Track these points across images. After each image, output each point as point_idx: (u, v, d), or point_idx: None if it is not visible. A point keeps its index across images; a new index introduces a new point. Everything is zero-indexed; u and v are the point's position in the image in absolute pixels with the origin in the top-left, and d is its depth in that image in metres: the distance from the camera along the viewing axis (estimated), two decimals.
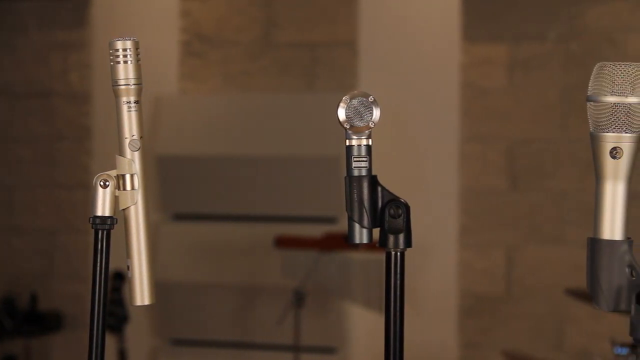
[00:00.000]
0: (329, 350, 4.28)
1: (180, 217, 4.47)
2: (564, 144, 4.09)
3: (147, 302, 1.28)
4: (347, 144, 1.38)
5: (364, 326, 4.22)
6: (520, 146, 4.16)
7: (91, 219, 1.29)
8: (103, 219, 1.29)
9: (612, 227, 1.28)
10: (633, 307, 1.25)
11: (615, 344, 2.90)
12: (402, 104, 4.29)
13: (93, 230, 1.29)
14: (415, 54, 4.26)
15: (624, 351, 2.81)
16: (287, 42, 4.40)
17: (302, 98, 4.35)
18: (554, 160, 4.11)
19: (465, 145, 4.21)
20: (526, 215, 4.15)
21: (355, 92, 1.38)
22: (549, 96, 4.10)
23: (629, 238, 1.29)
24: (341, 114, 1.37)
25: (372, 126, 1.37)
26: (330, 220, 4.14)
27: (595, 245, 1.28)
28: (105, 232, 1.28)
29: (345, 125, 1.37)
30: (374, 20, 4.29)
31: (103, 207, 1.30)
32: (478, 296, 4.20)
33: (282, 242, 3.95)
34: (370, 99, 1.37)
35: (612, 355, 3.00)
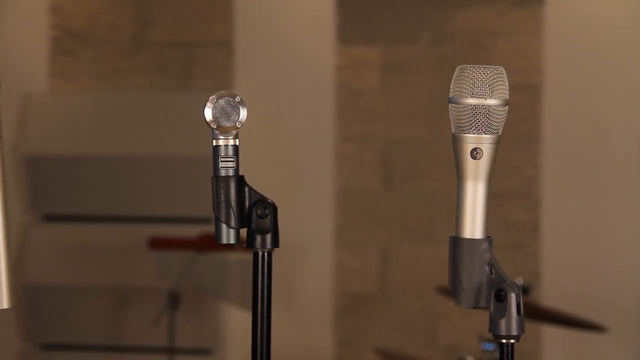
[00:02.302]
0: (204, 351, 4.26)
1: (51, 218, 4.37)
2: (436, 144, 4.18)
3: (5, 305, 1.24)
4: (214, 144, 1.37)
5: (240, 327, 4.21)
6: (394, 147, 4.23)
7: None
8: None
9: (473, 226, 1.31)
10: (492, 303, 1.28)
11: (482, 340, 2.98)
12: (278, 105, 4.30)
13: None
14: (290, 55, 4.28)
15: (491, 347, 2.89)
16: (162, 41, 4.36)
17: (177, 97, 4.32)
18: (426, 161, 4.19)
19: (340, 146, 4.26)
20: (400, 215, 4.22)
21: (222, 91, 1.38)
22: (421, 98, 4.18)
23: (488, 237, 1.32)
24: (208, 113, 1.36)
25: (239, 126, 1.37)
26: (206, 220, 4.12)
27: (456, 243, 1.31)
28: None
29: (212, 125, 1.37)
30: (249, 21, 4.29)
31: None
32: (353, 295, 4.24)
33: (157, 243, 3.92)
34: (237, 98, 1.37)
35: (480, 351, 3.08)
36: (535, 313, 3.33)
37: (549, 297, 4.00)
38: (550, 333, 4.00)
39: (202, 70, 4.33)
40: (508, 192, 4.11)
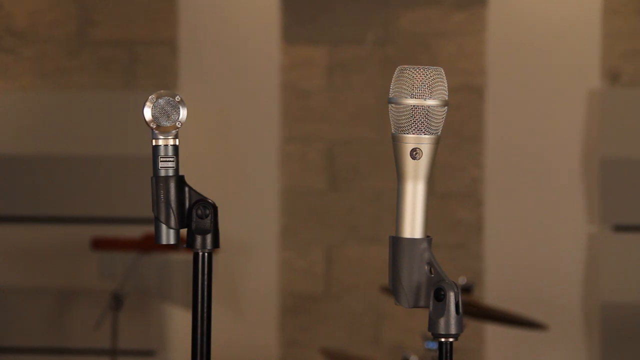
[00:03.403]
0: (148, 353, 4.23)
1: None
2: (381, 144, 4.20)
3: None
4: (154, 143, 1.36)
5: (184, 328, 4.19)
6: (339, 147, 4.24)
7: None
8: None
9: (413, 226, 1.32)
10: (431, 303, 1.29)
11: (426, 339, 3.00)
12: (223, 104, 4.29)
13: None
14: (235, 54, 4.27)
15: (434, 345, 2.91)
16: (105, 39, 4.32)
17: (121, 96, 4.29)
18: (371, 161, 4.21)
19: (285, 146, 4.25)
20: (345, 215, 4.23)
21: (162, 91, 1.37)
22: (367, 98, 4.20)
23: (428, 236, 1.33)
24: (147, 113, 1.35)
25: (179, 126, 1.36)
26: (149, 221, 4.09)
27: (396, 243, 1.32)
28: None
29: (151, 125, 1.36)
30: (194, 19, 4.27)
31: None
32: (298, 295, 4.25)
33: (99, 244, 3.88)
34: (177, 98, 1.36)
35: (423, 350, 3.10)
36: (478, 312, 3.37)
37: (491, 295, 4.04)
38: (492, 331, 4.04)
39: (146, 69, 4.30)
40: (452, 192, 4.14)
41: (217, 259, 4.03)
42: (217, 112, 4.27)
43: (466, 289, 3.28)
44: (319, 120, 4.25)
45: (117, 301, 3.78)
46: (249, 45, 4.25)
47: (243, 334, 4.23)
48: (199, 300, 1.34)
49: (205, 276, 1.35)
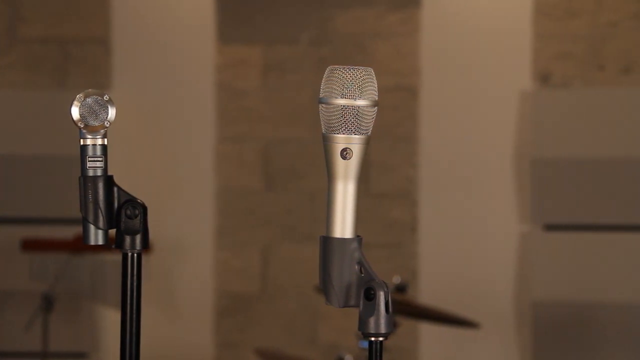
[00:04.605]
0: (79, 355, 4.19)
1: None
2: (317, 144, 4.20)
3: None
4: (82, 143, 1.35)
5: (117, 329, 4.14)
6: (275, 146, 4.24)
7: None
8: None
9: (343, 225, 1.32)
10: (361, 302, 1.30)
11: (360, 339, 3.01)
12: (157, 103, 4.26)
13: None
14: (169, 53, 4.24)
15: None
16: (35, 37, 4.26)
17: (52, 96, 4.23)
18: (306, 161, 4.21)
19: (220, 146, 4.24)
20: (280, 215, 4.23)
21: (90, 90, 1.35)
22: (302, 98, 4.21)
23: (358, 236, 1.33)
24: (75, 112, 1.34)
25: (107, 125, 1.35)
26: (81, 221, 4.05)
27: (326, 243, 1.32)
28: None
29: (79, 124, 1.35)
30: (127, 17, 4.23)
31: None
32: (233, 295, 4.24)
33: (29, 245, 3.83)
34: (106, 97, 1.35)
35: (358, 349, 3.12)
36: (412, 311, 3.39)
37: (426, 295, 4.08)
38: (427, 330, 4.07)
39: (78, 68, 4.25)
40: (387, 192, 4.17)
41: (152, 259, 4.00)
42: (151, 112, 4.24)
43: (400, 289, 3.30)
44: (254, 120, 4.24)
45: (48, 303, 3.74)
46: (183, 44, 4.23)
47: (178, 334, 4.20)
48: (128, 301, 1.33)
49: (135, 277, 1.34)
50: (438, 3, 4.14)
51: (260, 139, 4.24)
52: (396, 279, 3.34)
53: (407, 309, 3.30)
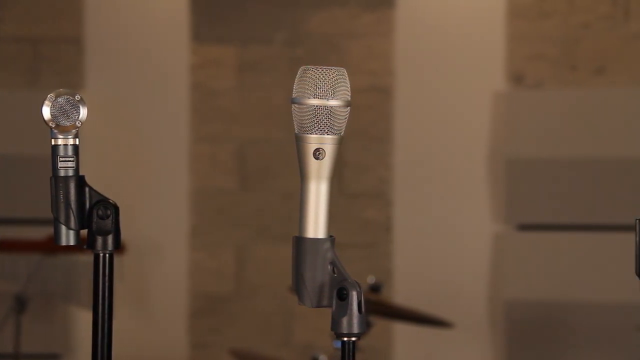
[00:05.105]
0: (52, 356, 4.17)
1: None
2: (291, 144, 4.19)
3: None
4: (53, 143, 1.35)
5: (90, 330, 4.13)
6: (249, 147, 4.23)
7: None
8: None
9: (316, 225, 1.33)
10: (334, 302, 1.30)
11: (335, 339, 3.01)
12: (131, 103, 4.24)
13: None
14: (143, 53, 4.23)
15: None
16: (8, 37, 4.23)
17: (24, 95, 4.21)
18: (281, 161, 4.21)
19: (194, 146, 4.23)
20: (255, 215, 4.23)
21: (62, 89, 1.35)
22: (276, 98, 4.20)
23: (331, 236, 1.34)
24: (46, 112, 1.33)
25: (79, 125, 1.35)
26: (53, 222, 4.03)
27: (299, 243, 1.32)
28: None
29: (50, 124, 1.34)
30: (100, 17, 4.21)
31: None
32: (208, 296, 4.23)
33: (2, 245, 3.81)
34: (77, 97, 1.34)
35: (333, 349, 3.12)
36: (386, 311, 3.40)
37: (400, 295, 4.08)
38: (401, 330, 4.08)
39: (50, 67, 4.23)
40: (361, 192, 4.18)
41: (125, 259, 3.99)
42: (125, 112, 4.22)
43: (375, 289, 3.31)
44: (229, 120, 4.24)
45: (20, 304, 3.71)
46: (157, 44, 4.22)
47: (152, 335, 4.19)
48: (100, 301, 1.33)
49: (107, 277, 1.34)
50: (412, 4, 4.16)
51: (234, 139, 4.24)
52: (370, 279, 3.34)
53: (381, 309, 3.31)
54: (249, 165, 4.24)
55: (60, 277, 3.97)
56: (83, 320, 4.16)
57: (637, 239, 1.31)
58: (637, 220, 1.31)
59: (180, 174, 4.23)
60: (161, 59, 4.23)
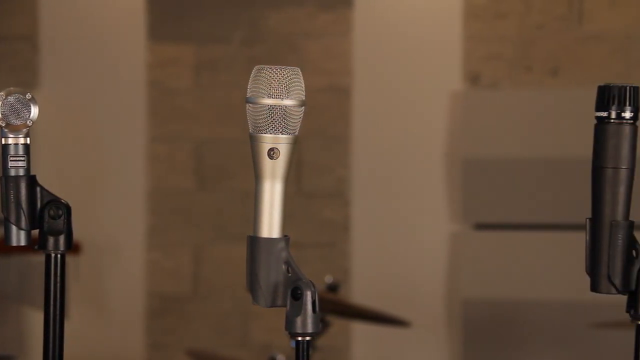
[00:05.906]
0: (6, 358, 4.12)
1: None
2: (247, 144, 4.19)
3: None
4: (3, 142, 1.33)
5: None
6: (207, 146, 4.22)
7: None
8: None
9: (270, 225, 1.33)
10: (289, 302, 1.30)
11: (291, 338, 3.00)
12: (87, 103, 4.21)
13: None
14: (99, 52, 4.20)
15: None
16: None
17: None
18: (238, 160, 4.20)
19: (151, 145, 4.21)
20: (212, 215, 4.21)
21: (12, 88, 1.33)
22: (234, 97, 4.19)
23: (286, 236, 1.33)
24: None
25: (30, 124, 1.33)
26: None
27: (254, 243, 1.32)
28: None
29: (0, 123, 1.32)
30: (55, 15, 4.18)
31: None
32: (165, 296, 4.21)
33: None
34: (28, 96, 1.33)
35: (290, 349, 3.11)
36: (344, 310, 3.40)
37: (358, 294, 4.09)
38: (359, 329, 4.09)
39: (4, 66, 4.18)
40: (319, 192, 4.18)
41: (81, 259, 3.95)
42: (80, 111, 4.19)
43: (332, 288, 3.31)
44: (186, 120, 4.22)
45: None
46: (113, 42, 4.19)
47: (108, 335, 4.16)
48: (52, 303, 1.32)
49: (58, 278, 1.32)
50: (370, 3, 4.17)
51: (191, 139, 4.22)
52: (328, 279, 3.34)
53: (339, 308, 3.31)
54: (207, 164, 4.22)
55: (13, 277, 3.92)
56: (37, 321, 4.12)
57: (587, 238, 1.32)
58: (588, 220, 1.32)
59: (137, 173, 4.20)
60: (117, 58, 4.20)
